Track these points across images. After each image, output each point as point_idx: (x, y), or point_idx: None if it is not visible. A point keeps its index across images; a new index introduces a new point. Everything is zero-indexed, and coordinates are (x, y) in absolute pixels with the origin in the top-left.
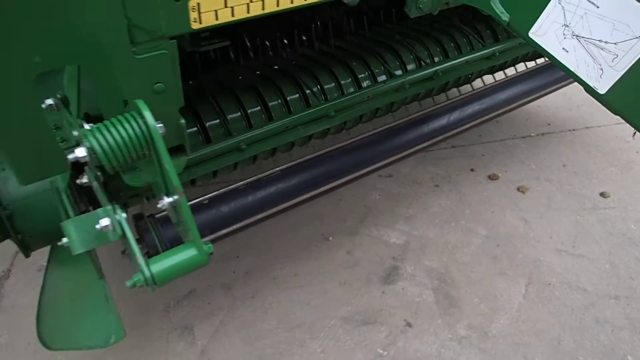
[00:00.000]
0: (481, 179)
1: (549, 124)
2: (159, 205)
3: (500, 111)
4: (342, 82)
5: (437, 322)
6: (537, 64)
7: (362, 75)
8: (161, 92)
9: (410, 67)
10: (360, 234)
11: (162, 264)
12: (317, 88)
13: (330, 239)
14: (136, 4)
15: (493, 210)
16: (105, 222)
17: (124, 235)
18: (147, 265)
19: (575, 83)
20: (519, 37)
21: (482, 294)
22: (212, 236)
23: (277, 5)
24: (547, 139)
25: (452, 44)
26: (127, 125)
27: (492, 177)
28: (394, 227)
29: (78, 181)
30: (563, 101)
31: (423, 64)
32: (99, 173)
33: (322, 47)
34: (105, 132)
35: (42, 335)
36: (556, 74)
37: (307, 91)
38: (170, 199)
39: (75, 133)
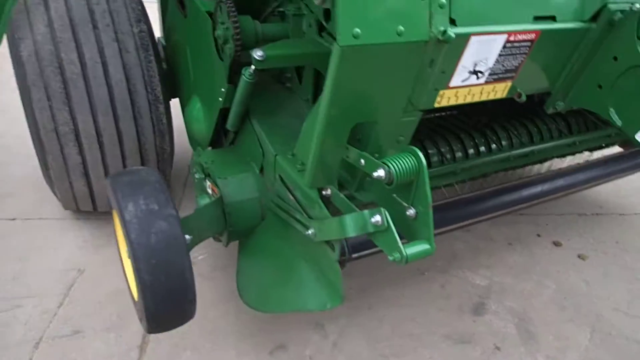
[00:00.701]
0: (547, 244)
1: (601, 207)
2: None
3: (576, 189)
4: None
5: (520, 349)
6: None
7: (485, 144)
8: (401, 141)
9: (515, 143)
10: (449, 273)
11: (411, 249)
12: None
13: (426, 274)
14: (418, 94)
15: (559, 270)
16: (377, 218)
17: (387, 228)
18: (404, 249)
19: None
20: (593, 132)
21: (555, 334)
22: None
23: (471, 99)
24: (600, 218)
25: (544, 130)
26: (408, 160)
27: (557, 244)
28: (477, 271)
29: (324, 192)
30: (613, 190)
31: (524, 143)
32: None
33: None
34: (397, 163)
35: (247, 299)
36: (624, 164)
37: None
38: (413, 210)
39: (362, 161)
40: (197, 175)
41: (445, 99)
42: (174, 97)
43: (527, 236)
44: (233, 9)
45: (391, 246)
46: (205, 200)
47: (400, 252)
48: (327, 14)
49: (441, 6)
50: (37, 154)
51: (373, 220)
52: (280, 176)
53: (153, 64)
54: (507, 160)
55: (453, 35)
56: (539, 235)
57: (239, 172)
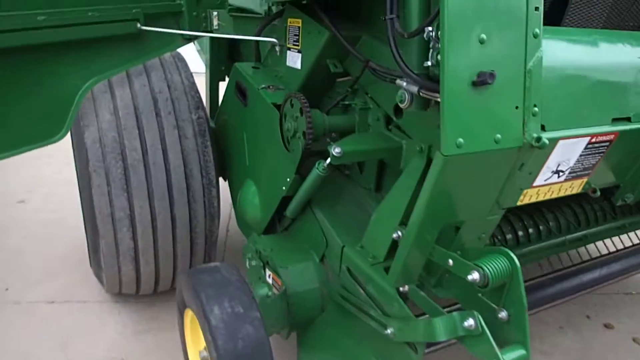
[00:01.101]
0: (598, 326)
1: None
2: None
3: (632, 273)
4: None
5: None
6: None
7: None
8: (482, 239)
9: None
10: None
11: (509, 356)
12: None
13: None
14: (505, 194)
15: (615, 356)
16: (470, 322)
17: (482, 333)
18: (501, 355)
19: None
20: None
21: None
22: None
23: (550, 195)
24: None
25: (596, 213)
26: (501, 262)
27: (608, 326)
28: (535, 357)
29: (401, 289)
30: None
31: (577, 227)
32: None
33: None
34: (492, 265)
35: None
36: None
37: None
38: (505, 312)
39: (450, 262)
40: (253, 263)
41: (528, 197)
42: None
43: (577, 318)
44: (307, 104)
45: (487, 353)
46: (264, 290)
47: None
48: (398, 110)
49: (534, 114)
50: (88, 238)
51: (466, 324)
52: (347, 268)
53: (209, 149)
54: (562, 245)
55: (547, 142)
56: (588, 317)
57: (299, 261)
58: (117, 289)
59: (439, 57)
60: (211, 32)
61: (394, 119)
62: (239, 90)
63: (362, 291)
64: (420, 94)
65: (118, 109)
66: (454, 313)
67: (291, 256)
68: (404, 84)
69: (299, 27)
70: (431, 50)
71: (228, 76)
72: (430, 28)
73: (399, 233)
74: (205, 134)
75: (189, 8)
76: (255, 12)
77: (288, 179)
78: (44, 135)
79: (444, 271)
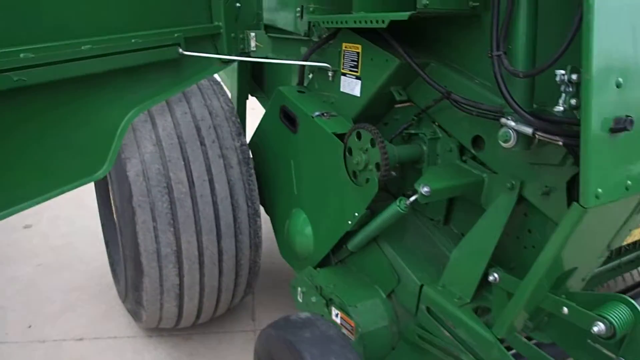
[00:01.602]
0: None
1: None
2: None
3: None
4: None
5: None
6: None
7: None
8: (585, 280)
9: None
10: None
11: None
12: None
13: None
14: (617, 237)
15: None
16: None
17: None
18: None
19: None
20: None
21: None
22: None
23: None
24: None
25: None
26: (623, 311)
27: None
28: None
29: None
30: None
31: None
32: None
33: None
34: (617, 316)
35: None
36: None
37: None
38: None
39: (564, 310)
40: (313, 299)
41: (632, 236)
42: None
43: None
44: (379, 135)
45: None
46: None
47: None
48: (478, 143)
49: None
50: (128, 277)
51: None
52: (427, 308)
53: (253, 177)
54: (618, 268)
55: None
56: None
57: (367, 298)
58: (155, 325)
59: (572, 101)
60: (249, 54)
61: (473, 151)
62: (285, 115)
63: (446, 332)
64: (536, 136)
65: (161, 139)
66: None
67: (357, 292)
68: (513, 123)
69: (358, 53)
70: (563, 95)
71: (252, 95)
72: (563, 71)
73: (496, 276)
74: (249, 161)
75: (228, 30)
76: (294, 32)
77: (356, 214)
78: (85, 172)
79: (547, 315)
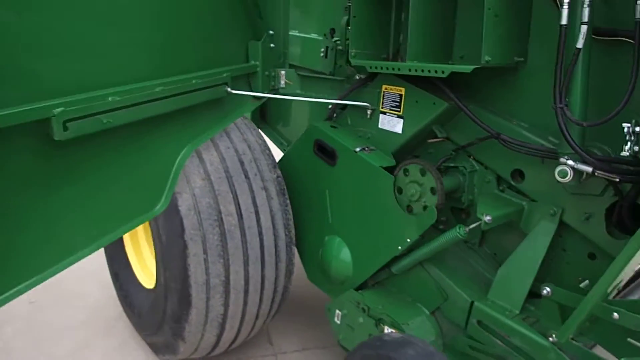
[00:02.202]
0: None
1: None
2: None
3: None
4: None
5: None
6: None
7: None
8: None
9: None
10: None
11: None
12: None
13: None
14: None
15: None
16: None
17: None
18: None
19: None
20: None
21: None
22: None
23: None
24: None
25: None
26: None
27: None
28: None
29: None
30: None
31: None
32: None
33: None
34: None
35: None
36: None
37: None
38: None
39: (615, 315)
40: (360, 320)
41: None
42: None
43: None
44: (430, 164)
45: None
46: None
47: None
48: (518, 175)
49: None
50: (167, 310)
51: None
52: (478, 321)
53: (289, 207)
54: None
55: None
56: None
57: (414, 315)
58: (187, 356)
59: (635, 147)
60: (278, 92)
61: (513, 183)
62: (320, 149)
63: (499, 342)
64: (596, 174)
65: (209, 174)
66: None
67: (405, 311)
68: (572, 162)
69: (400, 95)
70: (629, 143)
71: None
72: (629, 124)
73: (548, 290)
74: (285, 192)
75: (263, 68)
76: (319, 71)
77: (409, 240)
78: (144, 209)
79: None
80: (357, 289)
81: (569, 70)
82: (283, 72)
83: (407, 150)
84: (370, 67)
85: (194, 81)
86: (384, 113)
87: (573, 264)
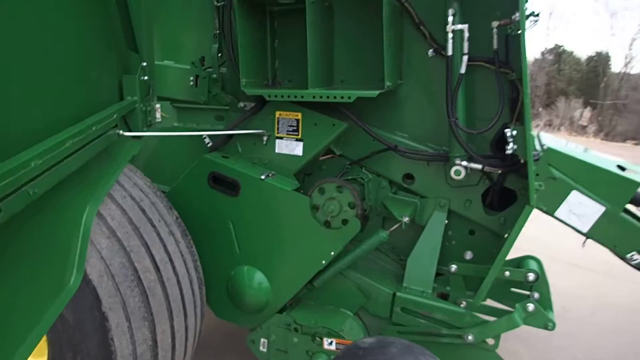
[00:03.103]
0: None
1: None
2: None
3: None
4: None
5: None
6: None
7: None
8: None
9: None
10: None
11: (551, 315)
12: None
13: None
14: None
15: None
16: (531, 307)
17: (538, 311)
18: (549, 315)
19: None
20: None
21: None
22: None
23: None
24: None
25: None
26: (537, 262)
27: None
28: None
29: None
30: None
31: None
32: None
33: None
34: (536, 267)
35: None
36: None
37: None
38: (537, 294)
39: (507, 273)
40: (295, 340)
41: None
42: None
43: None
44: (345, 181)
45: (542, 319)
46: (325, 357)
47: (552, 320)
48: (408, 178)
49: None
50: None
51: (529, 309)
52: (401, 308)
53: (194, 248)
54: None
55: None
56: None
57: (345, 320)
58: None
59: (513, 146)
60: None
61: (405, 185)
62: (217, 181)
63: (422, 321)
64: (485, 169)
65: (114, 230)
66: (517, 305)
67: (335, 319)
68: (466, 163)
69: (297, 120)
70: (511, 143)
71: None
72: (509, 130)
73: (454, 267)
74: (187, 232)
75: (141, 104)
76: (192, 101)
77: (332, 253)
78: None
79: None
80: (279, 312)
81: (455, 90)
82: (158, 106)
83: (305, 170)
84: (269, 96)
85: (83, 135)
86: (281, 138)
87: (458, 241)
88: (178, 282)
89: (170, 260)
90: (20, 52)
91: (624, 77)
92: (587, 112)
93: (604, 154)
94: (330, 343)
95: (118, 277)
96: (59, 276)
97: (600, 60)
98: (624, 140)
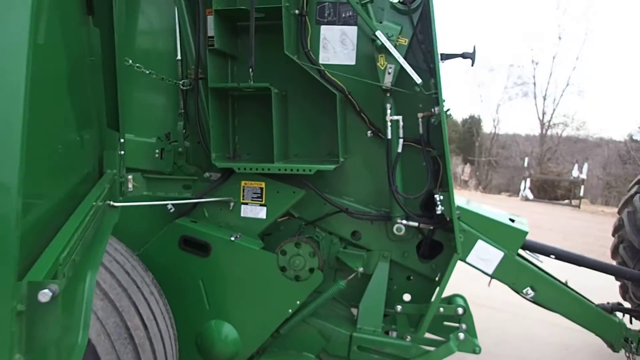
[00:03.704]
0: None
1: None
2: None
3: None
4: None
5: None
6: None
7: None
8: None
9: None
10: None
11: (476, 341)
12: None
13: None
14: None
15: None
16: (462, 336)
17: (466, 338)
18: (475, 341)
19: None
20: None
21: None
22: None
23: None
24: None
25: None
26: (463, 301)
27: None
28: None
29: (407, 339)
30: None
31: None
32: None
33: None
34: (464, 303)
35: None
36: None
37: None
38: (465, 325)
39: (440, 309)
40: None
41: None
42: None
43: None
44: (306, 238)
45: (470, 345)
46: None
47: (478, 345)
48: (354, 235)
49: None
50: None
51: (460, 338)
52: (358, 347)
53: (168, 306)
54: None
55: None
56: None
57: None
58: None
59: (441, 208)
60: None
61: (353, 240)
62: (188, 243)
63: (375, 356)
64: (420, 226)
65: (106, 292)
66: (451, 336)
67: None
68: (405, 222)
69: (261, 188)
70: (439, 205)
71: None
72: (438, 195)
73: (399, 308)
74: (162, 291)
75: (119, 175)
76: (160, 172)
77: (298, 302)
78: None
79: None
80: None
81: (394, 166)
82: (130, 176)
83: (264, 232)
84: (239, 169)
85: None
86: (246, 204)
87: (398, 286)
88: (162, 338)
89: (154, 318)
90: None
91: (493, 137)
92: (467, 168)
93: (495, 208)
94: None
95: (113, 336)
96: (74, 337)
97: (473, 123)
98: (499, 192)
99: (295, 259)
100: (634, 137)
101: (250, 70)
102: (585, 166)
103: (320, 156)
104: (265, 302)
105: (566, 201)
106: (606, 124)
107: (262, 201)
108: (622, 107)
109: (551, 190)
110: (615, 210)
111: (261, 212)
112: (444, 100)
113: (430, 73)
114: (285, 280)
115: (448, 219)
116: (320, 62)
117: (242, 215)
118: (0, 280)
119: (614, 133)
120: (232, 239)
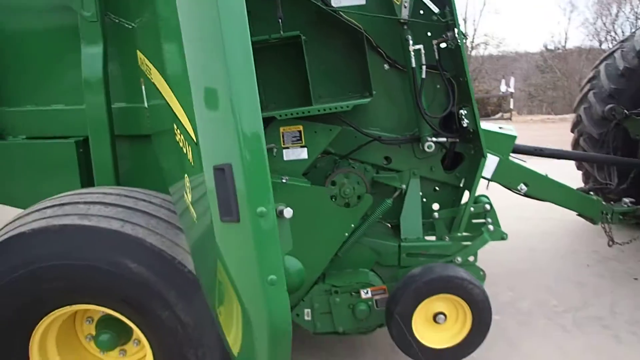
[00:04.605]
0: None
1: None
2: None
3: None
4: None
5: None
6: None
7: None
8: None
9: None
10: None
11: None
12: None
13: None
14: None
15: None
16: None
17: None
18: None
19: None
20: None
21: None
22: None
23: None
24: None
25: None
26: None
27: None
28: None
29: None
30: None
31: None
32: None
33: None
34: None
35: None
36: None
37: None
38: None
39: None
40: (337, 300)
41: None
42: None
43: None
44: (352, 168)
45: (499, 234)
46: (365, 305)
47: (505, 233)
48: (386, 160)
49: None
50: None
51: (491, 229)
52: (407, 253)
53: None
54: None
55: None
56: None
57: (367, 276)
58: None
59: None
60: None
61: (385, 165)
62: None
63: (422, 258)
64: (448, 140)
65: None
66: (483, 229)
67: (361, 275)
68: (435, 139)
69: (299, 131)
70: (465, 120)
71: None
72: (462, 111)
73: (436, 215)
74: None
75: None
76: None
77: (353, 225)
78: None
79: None
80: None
81: (420, 90)
82: None
83: (309, 169)
84: (280, 116)
85: None
86: (287, 148)
87: (426, 198)
88: None
89: None
90: None
91: None
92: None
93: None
94: (367, 292)
95: None
96: None
97: None
98: None
99: (345, 188)
100: (549, 47)
101: (280, 20)
102: (512, 80)
103: (342, 95)
104: (323, 231)
105: (498, 115)
106: (522, 39)
107: (302, 143)
108: (535, 20)
109: (482, 108)
110: (541, 117)
111: (302, 153)
112: (459, 25)
113: (443, 2)
114: (338, 209)
115: (471, 130)
116: (333, 4)
117: (285, 159)
118: None
119: (528, 46)
120: (284, 181)
